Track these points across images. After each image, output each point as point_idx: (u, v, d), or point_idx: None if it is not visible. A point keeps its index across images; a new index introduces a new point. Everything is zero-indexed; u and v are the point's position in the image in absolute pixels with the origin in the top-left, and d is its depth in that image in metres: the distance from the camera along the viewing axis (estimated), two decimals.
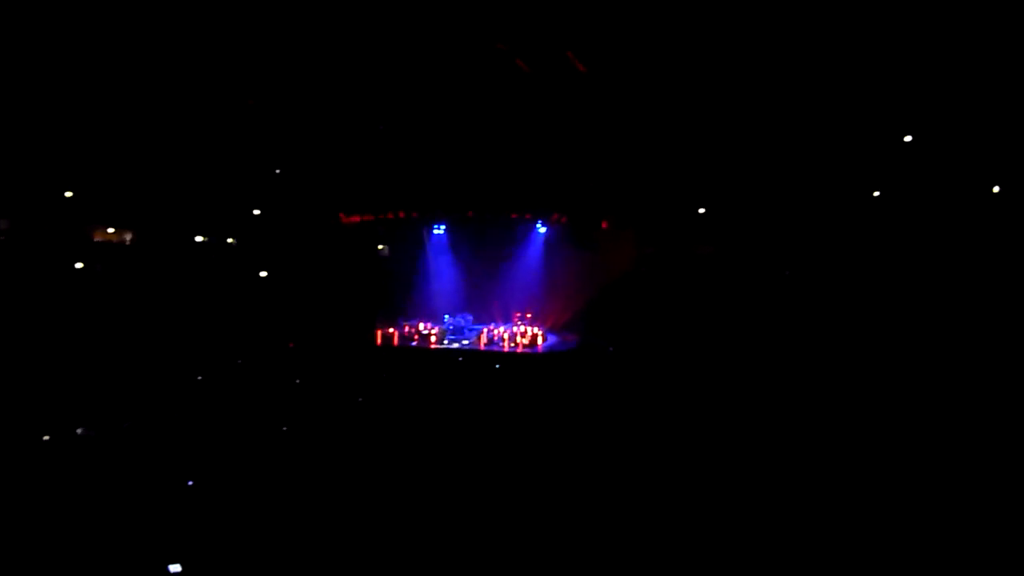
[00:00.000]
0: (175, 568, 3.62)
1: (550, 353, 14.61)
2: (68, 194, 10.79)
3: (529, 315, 17.94)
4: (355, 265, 17.13)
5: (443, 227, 18.57)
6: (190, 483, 5.34)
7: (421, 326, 16.86)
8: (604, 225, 16.65)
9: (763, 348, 11.38)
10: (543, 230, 18.07)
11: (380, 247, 18.61)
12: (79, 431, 6.06)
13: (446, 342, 16.24)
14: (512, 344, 15.99)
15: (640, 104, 10.96)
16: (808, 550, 3.61)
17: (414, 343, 16.09)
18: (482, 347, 15.69)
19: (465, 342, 16.22)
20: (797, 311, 11.86)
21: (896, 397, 7.40)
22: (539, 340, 16.06)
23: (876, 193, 10.99)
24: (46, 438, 5.73)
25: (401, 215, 17.46)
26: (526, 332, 16.38)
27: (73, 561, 3.59)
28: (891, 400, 7.35)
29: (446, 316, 17.83)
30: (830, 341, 10.31)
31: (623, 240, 16.53)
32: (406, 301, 18.07)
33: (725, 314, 13.09)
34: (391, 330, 16.44)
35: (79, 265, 11.24)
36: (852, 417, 6.91)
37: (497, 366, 12.51)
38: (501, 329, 16.81)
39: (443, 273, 19.03)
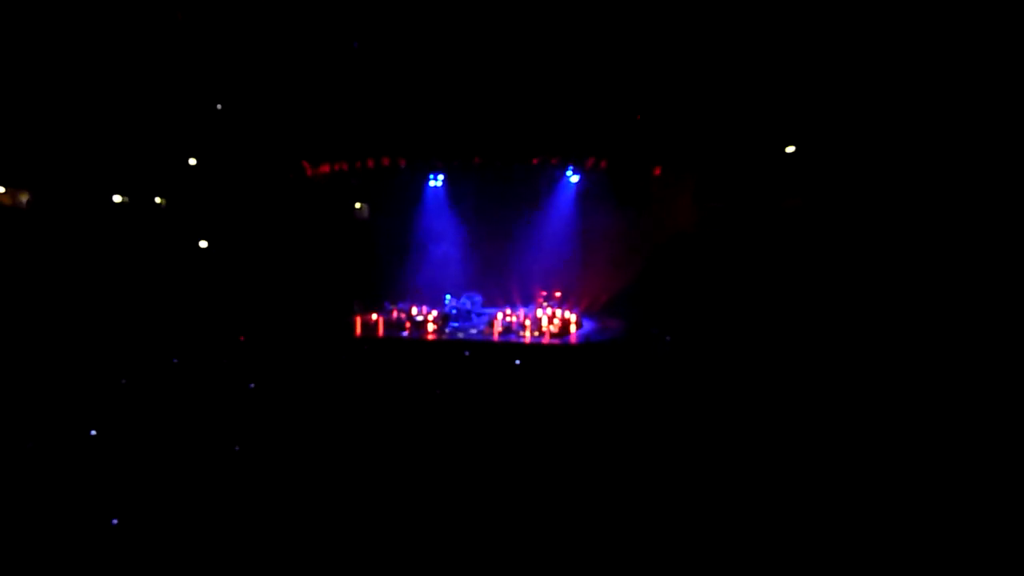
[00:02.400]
0: None
1: (586, 345, 14.15)
2: None
3: (558, 294, 17.82)
4: (325, 230, 17.10)
5: (441, 178, 18.42)
6: (114, 522, 5.20)
7: (414, 311, 16.77)
8: (657, 172, 16.38)
9: (874, 338, 10.92)
10: (575, 179, 17.82)
11: (358, 206, 18.56)
12: None
13: (448, 331, 16.07)
14: (536, 333, 15.84)
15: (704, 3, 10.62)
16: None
17: (405, 333, 15.92)
18: (496, 338, 15.39)
19: (473, 331, 16.10)
20: (926, 285, 11.14)
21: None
22: (572, 328, 15.80)
23: None
24: None
25: (385, 163, 17.10)
26: (554, 317, 16.19)
27: None
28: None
29: (447, 297, 17.67)
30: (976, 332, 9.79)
31: (681, 192, 16.35)
32: (393, 278, 18.11)
33: (820, 292, 12.75)
34: (374, 317, 16.40)
35: None
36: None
37: (517, 363, 12.31)
38: (521, 313, 16.73)
39: (442, 239, 18.95)
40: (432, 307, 17.25)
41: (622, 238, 17.24)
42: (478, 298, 18.03)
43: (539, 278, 18.26)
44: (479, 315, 17.41)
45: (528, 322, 16.11)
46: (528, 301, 18.15)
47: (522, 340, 15.23)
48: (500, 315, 16.52)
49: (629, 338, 14.75)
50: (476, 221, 18.70)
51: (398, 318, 16.64)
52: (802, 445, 6.74)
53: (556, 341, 14.91)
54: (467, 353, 13.17)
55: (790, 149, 14.41)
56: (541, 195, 18.28)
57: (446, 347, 14.39)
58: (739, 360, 11.51)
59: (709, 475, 6.04)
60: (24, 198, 12.43)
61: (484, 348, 14.15)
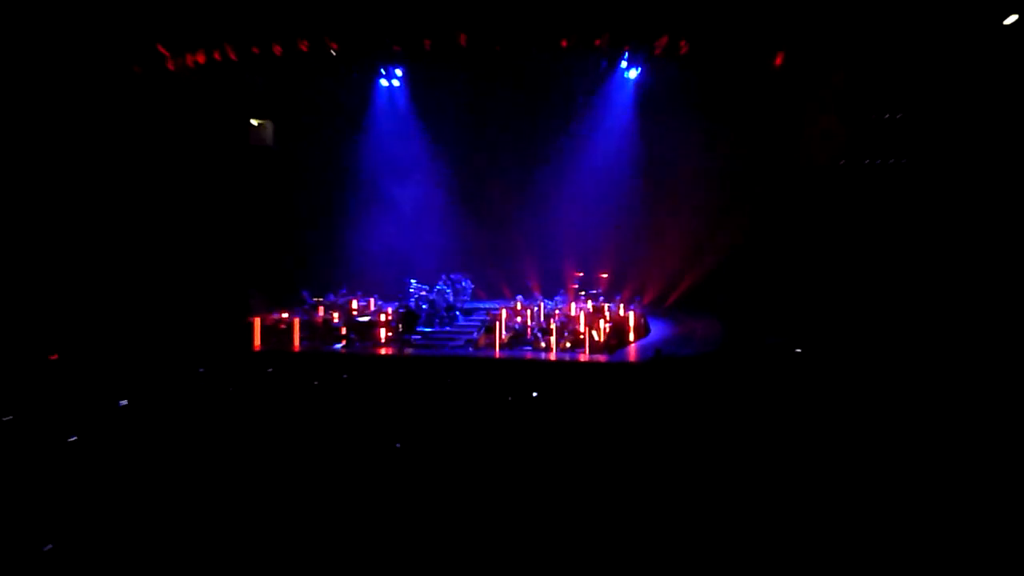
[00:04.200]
0: None
1: (655, 364, 14.25)
2: None
3: (604, 277, 18.21)
4: (197, 168, 17.66)
5: (400, 74, 19.48)
6: None
7: (354, 306, 17.03)
8: (777, 62, 16.71)
9: None
10: (634, 76, 18.10)
11: (256, 124, 19.23)
12: None
13: (414, 341, 16.50)
14: (567, 345, 16.13)
15: None
16: None
17: (339, 346, 16.33)
18: (497, 352, 15.78)
19: (458, 341, 16.46)
20: None
21: None
22: (629, 335, 16.26)
23: None
24: None
25: (302, 47, 17.20)
26: (599, 317, 16.44)
27: None
28: None
29: (412, 283, 17.92)
30: None
31: (819, 99, 16.85)
32: (318, 251, 18.78)
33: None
34: (285, 316, 16.81)
35: None
36: None
37: (535, 395, 12.51)
38: (541, 310, 16.98)
39: (403, 183, 19.77)
40: (387, 301, 17.58)
41: (713, 182, 17.83)
42: (466, 284, 18.17)
43: (571, 250, 18.80)
44: (468, 313, 17.66)
45: (553, 325, 16.16)
46: (553, 290, 18.55)
47: (542, 355, 15.29)
48: (504, 313, 16.56)
49: (729, 352, 15.05)
50: (461, 151, 19.87)
51: (327, 319, 16.84)
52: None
53: (602, 358, 15.03)
54: (449, 381, 13.56)
55: (1011, 19, 15.13)
56: (575, 106, 19.09)
57: (410, 369, 14.67)
58: (921, 387, 12.19)
59: None
60: None
61: (476, 370, 14.40)
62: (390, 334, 17.13)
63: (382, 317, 17.28)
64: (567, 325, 16.77)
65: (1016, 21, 14.95)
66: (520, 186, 19.55)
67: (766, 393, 12.56)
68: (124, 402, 12.28)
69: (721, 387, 13.08)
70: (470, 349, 16.76)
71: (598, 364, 15.05)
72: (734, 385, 13.11)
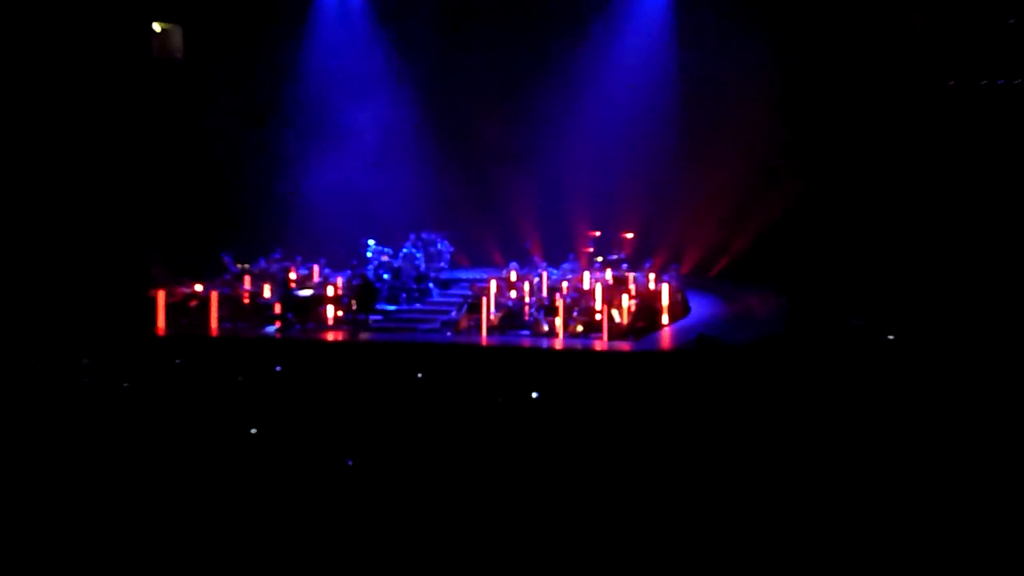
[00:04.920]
0: None
1: (702, 351, 14.42)
2: None
3: (630, 236, 18.51)
4: (81, 88, 17.37)
5: None
6: None
7: (292, 275, 17.26)
8: None
9: None
10: None
11: (160, 28, 19.20)
12: None
13: (371, 323, 16.76)
14: (578, 328, 16.00)
15: None
16: None
17: (273, 328, 16.32)
18: (484, 337, 15.87)
19: (431, 323, 16.76)
20: None
21: None
22: (662, 315, 16.19)
23: None
24: None
25: None
26: (622, 290, 16.53)
27: None
28: None
29: (370, 244, 18.33)
30: None
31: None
32: (242, 200, 19.01)
33: None
34: (197, 288, 16.89)
35: None
36: None
37: (535, 396, 12.69)
38: (543, 281, 17.13)
39: (360, 110, 19.47)
40: (336, 269, 17.84)
41: (775, 114, 17.70)
42: (443, 247, 18.58)
43: (585, 203, 18.94)
44: (445, 286, 18.10)
45: (560, 302, 15.98)
46: (560, 255, 18.66)
47: (545, 343, 15.48)
48: (494, 286, 16.51)
49: (798, 338, 15.23)
50: (438, 68, 19.57)
51: (255, 294, 16.85)
52: None
53: (626, 346, 15.18)
54: (419, 377, 13.80)
55: None
56: (590, 8, 18.91)
57: (368, 361, 14.65)
58: None
59: None
60: None
61: (456, 363, 14.49)
62: (341, 314, 16.91)
63: (330, 291, 16.94)
64: (579, 302, 16.58)
65: None
66: (517, 115, 19.20)
67: (851, 395, 12.36)
68: None
69: (789, 386, 12.86)
70: (448, 334, 16.59)
71: (620, 355, 14.99)
72: (806, 384, 12.90)
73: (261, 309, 16.90)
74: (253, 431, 11.59)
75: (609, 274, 17.35)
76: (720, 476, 9.68)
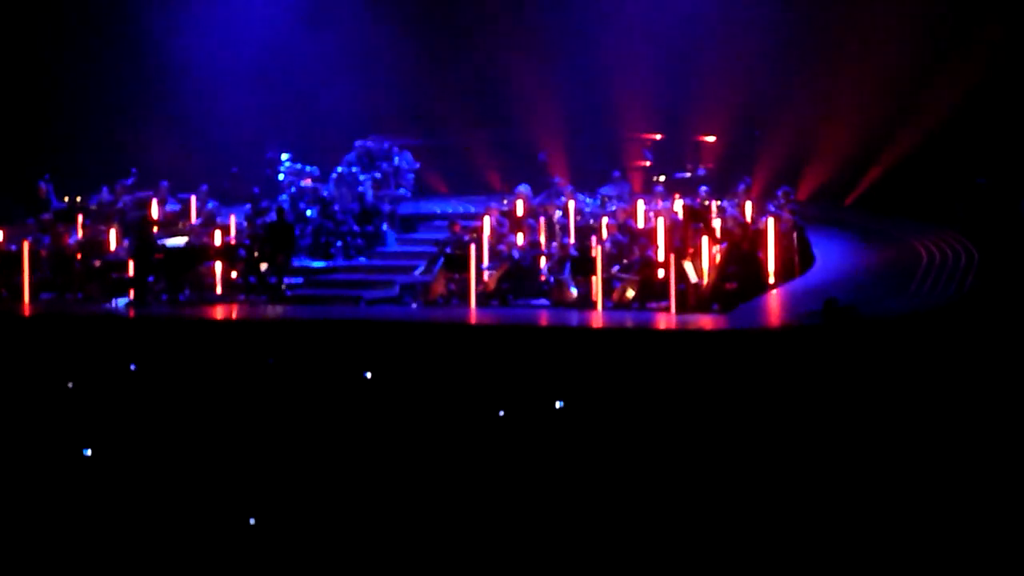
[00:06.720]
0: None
1: (835, 326, 11.52)
2: None
3: (712, 140, 17.31)
4: None
5: None
6: None
7: (154, 212, 15.52)
8: None
9: None
10: None
11: None
12: None
13: (285, 287, 14.64)
14: (634, 293, 14.10)
15: None
16: None
17: (122, 304, 14.25)
18: (472, 311, 14.00)
19: (388, 288, 14.68)
20: None
21: None
22: (767, 269, 14.13)
23: None
24: None
25: None
26: (703, 226, 14.63)
27: None
28: None
29: (284, 161, 16.46)
30: None
31: None
32: (71, 96, 17.51)
33: None
34: (26, 241, 14.72)
35: None
36: None
37: (559, 406, 11.07)
38: (570, 215, 15.68)
39: None
40: (229, 203, 16.09)
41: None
42: (403, 165, 16.07)
43: (633, 93, 16.60)
44: (409, 226, 16.34)
45: (597, 248, 14.26)
46: (596, 175, 16.65)
47: (574, 317, 13.85)
48: (488, 225, 14.96)
49: (993, 306, 12.59)
50: None
51: (91, 242, 15.12)
52: None
53: (708, 321, 13.06)
54: (366, 376, 12.07)
55: None
56: None
57: (279, 346, 12.68)
58: None
59: None
60: None
61: (428, 351, 12.30)
62: (236, 275, 14.23)
63: (217, 237, 14.45)
64: (628, 250, 14.07)
65: None
66: None
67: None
68: None
69: (969, 382, 10.08)
70: (413, 305, 14.15)
71: (699, 335, 12.37)
72: (994, 378, 10.20)
73: (103, 269, 14.28)
74: (87, 452, 9.80)
75: (679, 203, 14.36)
76: (873, 518, 7.68)
